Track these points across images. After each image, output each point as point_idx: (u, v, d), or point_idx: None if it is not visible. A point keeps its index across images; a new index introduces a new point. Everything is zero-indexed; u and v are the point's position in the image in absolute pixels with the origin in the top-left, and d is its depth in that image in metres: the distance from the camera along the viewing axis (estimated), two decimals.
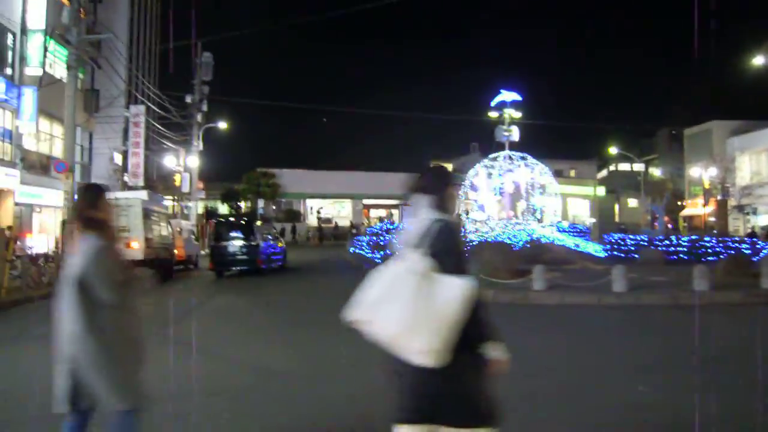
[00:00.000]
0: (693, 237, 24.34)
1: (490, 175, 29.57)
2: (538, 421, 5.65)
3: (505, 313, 11.96)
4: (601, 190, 67.21)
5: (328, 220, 56.01)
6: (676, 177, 62.88)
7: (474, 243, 22.53)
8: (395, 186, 47.93)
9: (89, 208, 4.08)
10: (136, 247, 19.47)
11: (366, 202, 57.71)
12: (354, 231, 53.00)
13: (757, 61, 33.72)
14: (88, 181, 29.17)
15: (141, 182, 35.52)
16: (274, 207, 54.74)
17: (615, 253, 24.06)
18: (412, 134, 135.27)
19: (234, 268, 22.25)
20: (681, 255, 22.51)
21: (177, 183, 38.43)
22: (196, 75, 38.55)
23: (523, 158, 29.29)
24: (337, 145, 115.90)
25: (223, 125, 41.87)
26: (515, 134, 29.95)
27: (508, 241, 22.30)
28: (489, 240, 22.08)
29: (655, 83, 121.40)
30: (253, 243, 21.84)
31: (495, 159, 29.59)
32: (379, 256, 22.16)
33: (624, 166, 75.19)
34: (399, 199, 58.25)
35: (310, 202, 57.05)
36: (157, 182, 37.41)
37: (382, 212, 59.43)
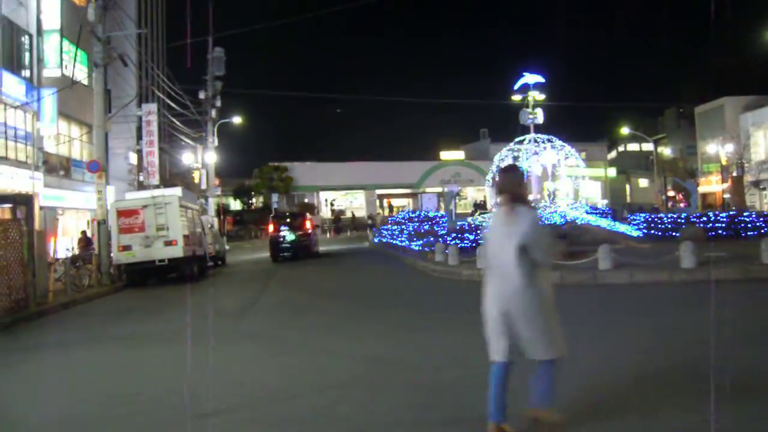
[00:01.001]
0: (731, 213, 24.02)
1: (516, 158, 29.18)
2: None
3: (585, 295, 11.80)
4: (612, 172, 66.90)
5: (342, 212, 55.75)
6: (687, 155, 62.63)
7: None
8: (407, 175, 48.20)
9: (518, 186, 4.81)
10: (175, 245, 19.17)
11: (379, 192, 57.41)
12: (370, 221, 52.83)
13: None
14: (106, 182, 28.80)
15: (156, 180, 35.19)
16: (285, 201, 54.39)
17: (652, 231, 23.68)
18: (422, 123, 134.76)
19: (289, 254, 25.99)
20: (720, 231, 22.18)
21: (196, 180, 38.13)
22: (209, 70, 38.16)
23: (549, 140, 28.94)
24: (348, 137, 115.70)
25: (237, 120, 41.53)
26: (540, 117, 29.57)
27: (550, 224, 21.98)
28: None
29: (664, 62, 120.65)
30: (308, 232, 26.58)
31: (521, 142, 29.20)
32: (419, 243, 21.82)
33: (633, 147, 74.82)
34: (411, 188, 58.07)
35: (323, 194, 56.75)
36: (176, 180, 37.07)
37: (403, 201, 59.25)
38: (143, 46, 39.93)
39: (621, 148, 75.31)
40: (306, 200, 56.09)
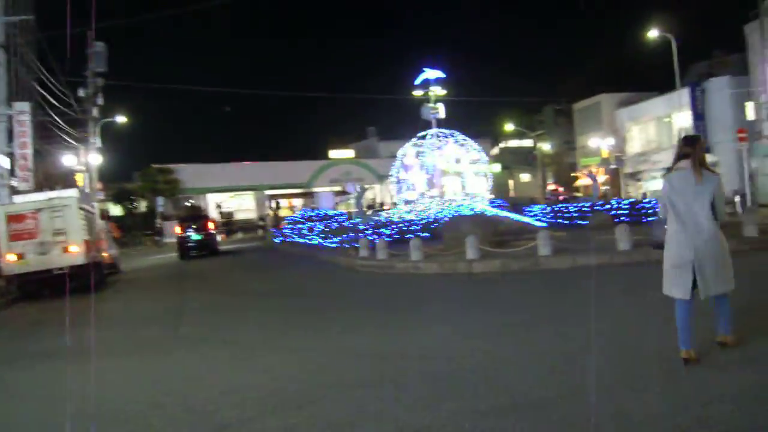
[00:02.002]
0: (632, 200, 25.08)
1: (419, 154, 29.16)
2: None
3: (537, 281, 11.76)
4: (496, 167, 68.81)
5: (231, 214, 53.96)
6: (567, 150, 65.40)
7: (445, 218, 22.17)
8: (297, 174, 47.30)
9: (702, 153, 5.83)
10: (75, 251, 17.55)
11: (269, 192, 56.03)
12: (262, 222, 51.50)
13: (652, 34, 35.34)
14: None
15: (30, 185, 32.47)
16: (171, 204, 51.99)
17: (558, 221, 24.30)
18: (311, 122, 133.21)
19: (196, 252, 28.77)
20: (623, 218, 23.06)
21: (79, 183, 35.48)
22: (89, 66, 35.69)
23: (452, 135, 29.12)
24: (237, 137, 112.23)
25: (121, 119, 39.19)
26: (441, 112, 29.73)
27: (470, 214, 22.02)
28: (462, 214, 21.75)
29: (544, 61, 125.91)
30: (210, 232, 29.79)
31: (423, 137, 29.21)
32: (335, 240, 21.23)
33: (514, 143, 77.33)
34: (301, 187, 57.16)
35: (211, 196, 54.72)
36: (56, 183, 34.34)
37: (294, 201, 58.12)
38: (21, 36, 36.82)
39: (503, 144, 77.58)
40: (191, 202, 53.83)
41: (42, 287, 17.74)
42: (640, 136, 50.71)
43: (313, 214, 33.33)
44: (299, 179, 56.85)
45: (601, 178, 55.20)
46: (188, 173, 52.15)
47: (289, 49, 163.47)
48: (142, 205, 51.54)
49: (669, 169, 6.00)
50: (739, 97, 40.97)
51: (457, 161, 29.23)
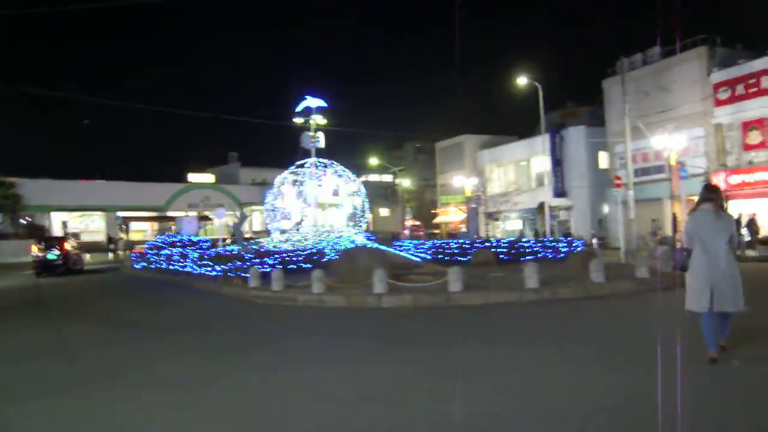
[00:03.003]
0: (511, 239, 25.76)
1: (296, 182, 28.47)
2: None
3: (452, 317, 11.47)
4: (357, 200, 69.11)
5: (77, 235, 50.02)
6: (425, 187, 67.09)
7: (325, 249, 21.66)
8: (153, 196, 45.23)
9: (721, 198, 7.50)
10: None
11: (122, 214, 52.58)
12: (112, 246, 48.24)
13: (522, 80, 37.13)
14: None
15: None
16: (10, 221, 47.46)
17: (440, 256, 24.46)
18: (169, 143, 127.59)
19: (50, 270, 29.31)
20: (502, 255, 23.63)
21: None
22: None
23: (328, 166, 28.71)
24: (90, 153, 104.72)
25: None
26: (321, 141, 29.28)
27: (354, 246, 21.58)
28: (358, 245, 21.21)
29: (407, 97, 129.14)
30: (66, 252, 30.54)
31: (302, 166, 28.58)
32: (216, 269, 19.98)
33: (374, 177, 78.22)
34: (157, 210, 54.30)
35: (55, 215, 50.51)
36: None
37: (144, 225, 54.71)
38: None
39: (363, 178, 78.18)
40: (27, 220, 49.36)
41: None
42: (500, 177, 52.97)
43: (176, 239, 31.54)
44: (155, 201, 53.97)
45: (460, 216, 57.14)
46: (33, 188, 47.88)
47: (155, 63, 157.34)
48: None
49: (693, 210, 7.53)
50: (593, 146, 43.92)
51: (335, 192, 28.87)
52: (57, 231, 50.21)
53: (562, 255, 23.35)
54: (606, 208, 43.04)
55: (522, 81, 37.36)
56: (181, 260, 23.56)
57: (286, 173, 28.60)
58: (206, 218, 51.42)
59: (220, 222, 34.71)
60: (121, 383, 7.61)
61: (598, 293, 13.50)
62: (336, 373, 7.63)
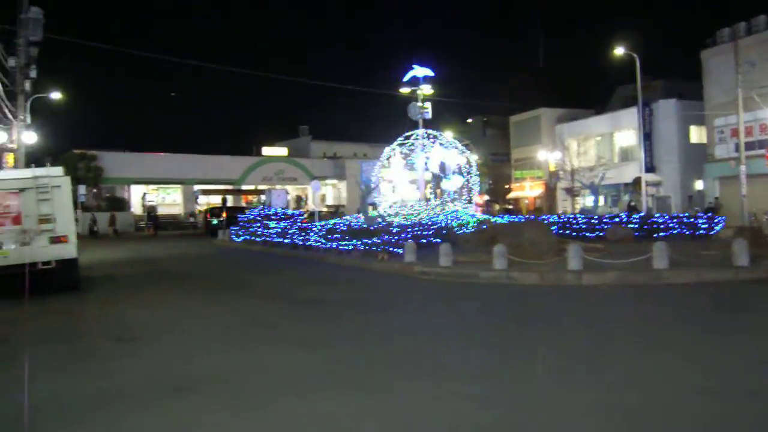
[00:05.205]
0: (642, 214, 24.40)
1: (405, 155, 27.49)
2: None
3: (683, 297, 10.39)
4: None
5: (154, 207, 49.93)
6: (492, 162, 65.20)
7: (502, 222, 20.64)
8: (228, 170, 45.05)
9: None
10: (67, 242, 14.57)
11: (198, 187, 52.27)
12: (192, 219, 48.20)
13: (618, 51, 35.41)
14: None
15: None
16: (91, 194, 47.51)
17: (567, 232, 23.22)
18: (242, 118, 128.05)
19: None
20: (635, 233, 22.31)
21: (10, 164, 31.16)
22: (22, 33, 31.61)
23: (436, 137, 27.60)
24: (171, 127, 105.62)
25: (56, 96, 35.15)
26: (429, 111, 28.20)
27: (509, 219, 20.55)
28: (519, 219, 20.19)
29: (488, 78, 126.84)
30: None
31: (409, 137, 27.52)
32: (354, 243, 19.09)
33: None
34: (232, 184, 53.96)
35: (135, 188, 50.49)
36: None
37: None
38: None
39: None
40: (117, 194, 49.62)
41: (15, 285, 14.35)
42: (582, 152, 51.21)
43: (272, 212, 30.94)
44: (230, 175, 53.54)
45: (537, 191, 55.60)
46: (113, 161, 47.87)
47: (235, 35, 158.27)
48: None
49: None
50: (684, 120, 42.02)
51: (442, 166, 27.77)
52: (136, 204, 50.26)
53: (701, 232, 22.00)
54: (700, 184, 41.20)
55: (619, 51, 35.76)
56: (301, 234, 22.75)
57: (393, 145, 27.56)
58: (300, 198, 53.42)
59: (315, 194, 33.97)
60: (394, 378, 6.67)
61: (747, 276, 12.31)
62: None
